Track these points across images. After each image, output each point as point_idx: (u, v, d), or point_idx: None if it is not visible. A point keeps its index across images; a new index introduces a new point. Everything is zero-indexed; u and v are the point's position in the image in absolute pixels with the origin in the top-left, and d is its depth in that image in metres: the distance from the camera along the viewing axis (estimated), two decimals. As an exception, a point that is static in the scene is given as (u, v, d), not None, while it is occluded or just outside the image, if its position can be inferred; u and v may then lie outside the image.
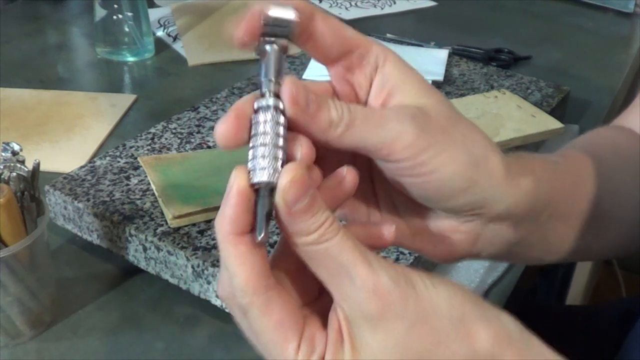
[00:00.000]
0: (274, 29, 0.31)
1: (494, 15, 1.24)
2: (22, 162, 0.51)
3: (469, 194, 0.35)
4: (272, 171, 0.30)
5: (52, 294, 0.56)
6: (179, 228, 0.57)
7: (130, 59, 1.01)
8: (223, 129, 0.30)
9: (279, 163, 0.30)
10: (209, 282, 0.55)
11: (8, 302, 0.52)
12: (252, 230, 0.30)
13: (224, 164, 0.66)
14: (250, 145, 0.31)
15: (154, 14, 1.14)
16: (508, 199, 0.36)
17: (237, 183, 0.30)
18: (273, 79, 0.31)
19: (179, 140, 0.70)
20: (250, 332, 0.32)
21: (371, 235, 0.34)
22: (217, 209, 0.61)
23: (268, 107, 0.31)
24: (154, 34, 1.06)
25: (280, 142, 0.30)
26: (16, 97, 0.88)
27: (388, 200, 0.38)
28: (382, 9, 1.23)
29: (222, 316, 0.56)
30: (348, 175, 0.33)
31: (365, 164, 0.37)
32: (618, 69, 1.05)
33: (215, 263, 0.54)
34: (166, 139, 0.70)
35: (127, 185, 0.63)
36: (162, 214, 0.59)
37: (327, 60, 0.34)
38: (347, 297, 0.30)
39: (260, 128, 0.31)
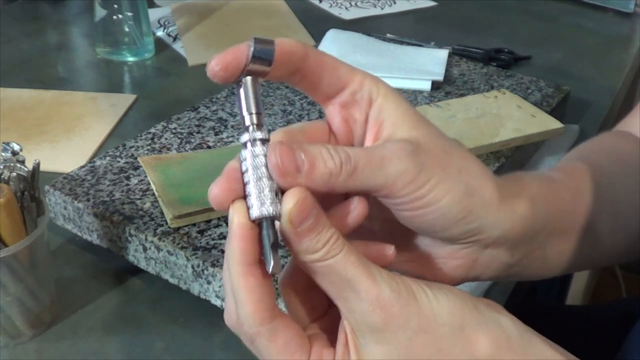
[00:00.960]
0: (256, 66, 0.31)
1: (494, 15, 1.24)
2: (22, 162, 0.51)
3: (464, 223, 0.35)
4: (271, 203, 0.30)
5: (52, 294, 0.56)
6: (179, 228, 0.57)
7: (130, 59, 1.01)
8: (215, 192, 0.32)
9: (274, 194, 0.30)
10: (208, 282, 0.55)
11: (8, 302, 0.52)
12: (261, 260, 0.31)
13: (224, 164, 0.66)
14: (245, 180, 0.31)
15: (154, 14, 1.15)
16: (503, 224, 0.37)
17: (236, 218, 0.31)
18: (254, 111, 0.31)
19: (179, 140, 0.70)
20: (259, 357, 0.33)
21: (371, 253, 0.34)
22: (217, 209, 0.61)
23: (254, 140, 0.31)
24: (154, 34, 1.06)
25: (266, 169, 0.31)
26: (16, 97, 0.88)
27: (384, 228, 0.38)
28: (382, 9, 1.23)
29: (222, 316, 0.56)
30: (359, 205, 0.34)
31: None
32: (618, 69, 1.05)
33: (215, 263, 0.54)
34: (166, 139, 0.70)
35: (127, 185, 0.63)
36: (162, 214, 0.59)
37: (323, 99, 0.35)
38: (353, 310, 0.31)
39: (250, 162, 0.31)
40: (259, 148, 0.31)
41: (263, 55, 0.31)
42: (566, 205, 0.42)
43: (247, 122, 0.31)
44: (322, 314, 0.36)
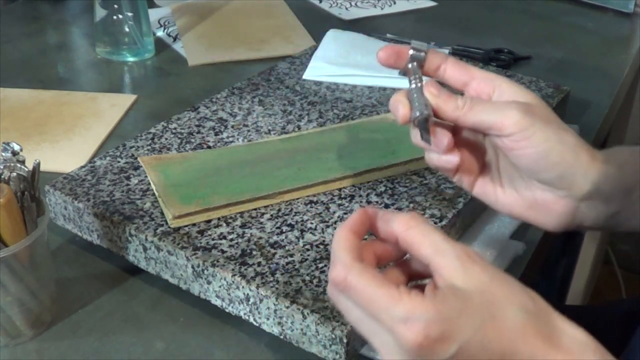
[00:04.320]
0: (414, 56, 0.49)
1: (494, 15, 1.24)
2: (22, 162, 0.51)
3: (560, 168, 0.47)
4: (424, 107, 0.47)
5: (52, 294, 0.56)
6: (179, 228, 0.57)
7: (130, 59, 1.01)
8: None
9: (426, 104, 0.48)
10: (209, 282, 0.55)
11: (8, 302, 0.52)
12: (361, 232, 0.43)
13: (224, 164, 0.66)
14: (410, 98, 0.48)
15: (154, 14, 1.15)
16: (591, 180, 0.48)
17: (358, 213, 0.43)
18: (419, 75, 0.49)
19: (179, 140, 0.70)
20: (356, 302, 0.40)
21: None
22: (217, 209, 0.62)
23: (417, 86, 0.49)
24: (154, 34, 1.06)
25: (425, 97, 0.48)
26: (16, 97, 0.88)
27: (508, 180, 0.51)
28: (382, 9, 1.23)
29: (222, 316, 0.56)
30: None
31: (493, 151, 0.51)
32: (618, 69, 1.05)
33: (215, 263, 0.54)
34: (166, 139, 0.70)
35: (127, 185, 0.63)
36: (162, 214, 0.59)
37: (460, 86, 0.50)
38: (446, 265, 0.40)
39: (415, 91, 0.48)
40: (421, 84, 0.49)
41: (417, 55, 0.49)
42: None
43: (412, 77, 0.49)
44: None
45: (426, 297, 0.39)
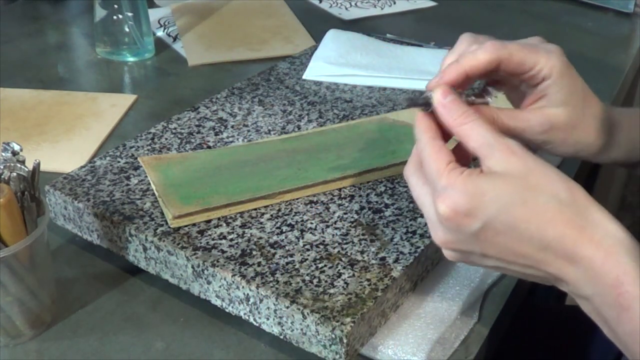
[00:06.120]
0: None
1: (494, 15, 1.24)
2: (22, 162, 0.51)
3: (571, 155, 0.55)
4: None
5: (52, 294, 0.56)
6: (179, 228, 0.57)
7: (130, 59, 1.01)
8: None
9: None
10: (209, 282, 0.55)
11: (8, 302, 0.52)
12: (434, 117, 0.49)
13: (224, 164, 0.66)
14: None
15: (154, 14, 1.15)
16: (597, 159, 0.56)
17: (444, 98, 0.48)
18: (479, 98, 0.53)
19: (179, 140, 0.70)
20: (422, 165, 0.47)
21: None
22: (217, 209, 0.61)
23: (467, 96, 0.52)
24: (154, 34, 1.06)
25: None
26: (16, 97, 0.88)
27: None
28: (382, 9, 1.23)
29: (222, 316, 0.56)
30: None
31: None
32: (618, 69, 1.05)
33: (215, 263, 0.54)
34: (166, 139, 0.70)
35: (127, 185, 0.63)
36: (162, 214, 0.59)
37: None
38: (489, 155, 0.44)
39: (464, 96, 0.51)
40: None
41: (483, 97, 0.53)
42: None
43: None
44: None
45: (461, 175, 0.44)
